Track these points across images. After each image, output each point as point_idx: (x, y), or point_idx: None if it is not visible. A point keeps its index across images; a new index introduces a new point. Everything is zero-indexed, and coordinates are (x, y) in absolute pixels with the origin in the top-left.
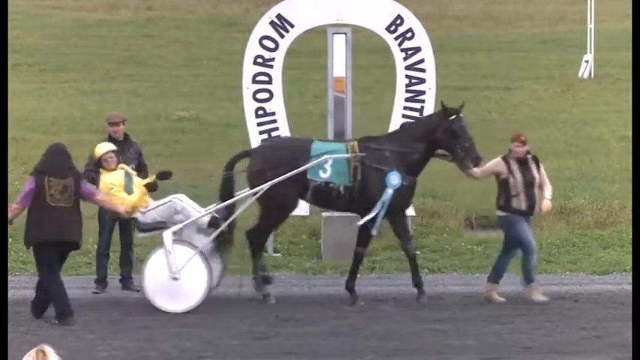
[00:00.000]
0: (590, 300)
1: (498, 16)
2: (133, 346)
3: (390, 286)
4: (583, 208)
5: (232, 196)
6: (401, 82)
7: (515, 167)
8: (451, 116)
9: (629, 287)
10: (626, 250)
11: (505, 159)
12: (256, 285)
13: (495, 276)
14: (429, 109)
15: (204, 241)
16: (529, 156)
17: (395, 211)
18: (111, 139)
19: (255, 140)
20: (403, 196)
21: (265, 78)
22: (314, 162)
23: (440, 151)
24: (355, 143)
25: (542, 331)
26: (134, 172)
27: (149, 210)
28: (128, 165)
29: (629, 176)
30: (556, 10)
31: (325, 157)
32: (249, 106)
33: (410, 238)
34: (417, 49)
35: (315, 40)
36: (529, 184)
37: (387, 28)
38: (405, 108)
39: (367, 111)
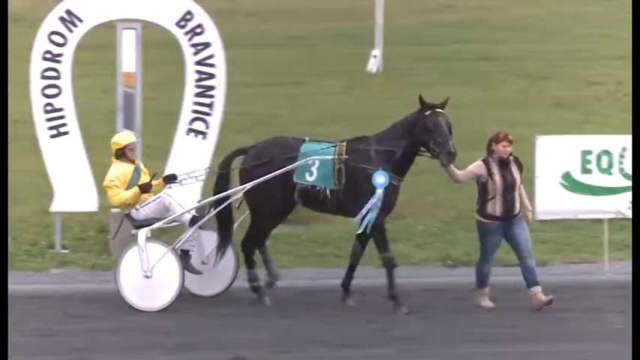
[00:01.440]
0: (377, 293)
1: (288, 11)
2: None
3: None
4: None
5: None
6: (191, 77)
7: (495, 170)
8: (426, 111)
9: (416, 280)
10: (413, 244)
11: (485, 161)
12: (259, 291)
13: (479, 282)
14: (219, 104)
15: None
16: (511, 157)
17: (385, 212)
18: None
19: (44, 137)
20: (389, 197)
21: (54, 73)
22: (296, 164)
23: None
24: (344, 144)
25: (331, 325)
26: (145, 170)
27: (143, 206)
28: None
29: (418, 170)
30: (345, 5)
31: (308, 158)
32: (38, 101)
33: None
34: (207, 45)
35: (105, 35)
36: (509, 187)
37: (177, 24)
38: (195, 103)
39: (157, 106)
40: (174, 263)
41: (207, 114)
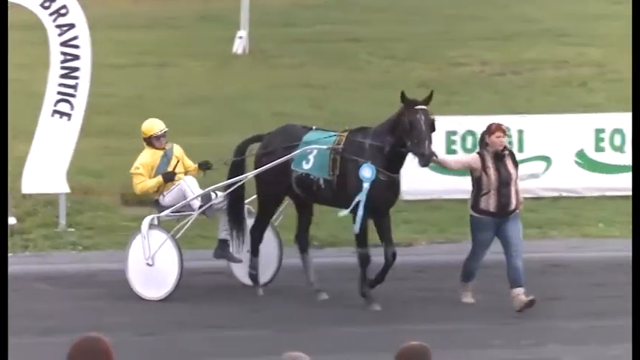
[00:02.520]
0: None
1: None
2: None
3: (44, 264)
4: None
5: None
6: (56, 58)
7: (490, 163)
8: (407, 108)
9: (285, 260)
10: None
11: (480, 154)
12: (255, 279)
13: (464, 276)
14: (84, 86)
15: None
16: (506, 151)
17: (373, 208)
18: None
19: None
20: (379, 193)
21: None
22: (295, 152)
23: None
24: (344, 135)
25: (198, 307)
26: (178, 155)
27: (168, 193)
28: None
29: None
30: None
31: (305, 147)
32: None
33: (391, 241)
34: (72, 26)
35: None
36: (504, 181)
37: (42, 5)
38: (60, 85)
39: (23, 88)
40: (173, 251)
41: (72, 95)
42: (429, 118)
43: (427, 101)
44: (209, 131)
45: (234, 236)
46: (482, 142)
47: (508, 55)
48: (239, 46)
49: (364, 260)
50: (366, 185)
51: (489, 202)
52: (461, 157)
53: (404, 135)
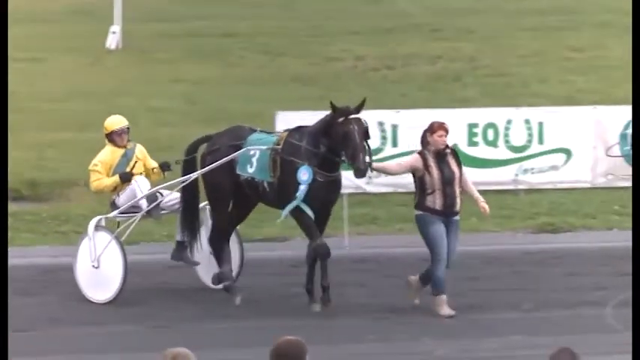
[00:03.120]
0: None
1: None
2: None
3: None
4: None
5: (191, 183)
6: None
7: (432, 163)
8: (338, 118)
9: (159, 257)
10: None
11: (421, 154)
12: (231, 289)
13: (436, 288)
14: None
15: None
16: (448, 150)
17: (314, 208)
18: None
19: None
20: (318, 193)
21: None
22: (236, 153)
23: None
24: (284, 135)
25: (72, 303)
26: (141, 155)
27: (122, 194)
28: None
29: (158, 146)
30: None
31: (246, 148)
32: None
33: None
34: None
35: None
36: (448, 181)
37: None
38: None
39: None
40: (117, 253)
41: None
42: (363, 126)
43: (359, 109)
44: (84, 127)
45: (188, 237)
46: (424, 141)
47: (382, 50)
48: (112, 41)
49: (323, 252)
50: (302, 187)
51: (435, 202)
52: (401, 161)
53: (337, 145)
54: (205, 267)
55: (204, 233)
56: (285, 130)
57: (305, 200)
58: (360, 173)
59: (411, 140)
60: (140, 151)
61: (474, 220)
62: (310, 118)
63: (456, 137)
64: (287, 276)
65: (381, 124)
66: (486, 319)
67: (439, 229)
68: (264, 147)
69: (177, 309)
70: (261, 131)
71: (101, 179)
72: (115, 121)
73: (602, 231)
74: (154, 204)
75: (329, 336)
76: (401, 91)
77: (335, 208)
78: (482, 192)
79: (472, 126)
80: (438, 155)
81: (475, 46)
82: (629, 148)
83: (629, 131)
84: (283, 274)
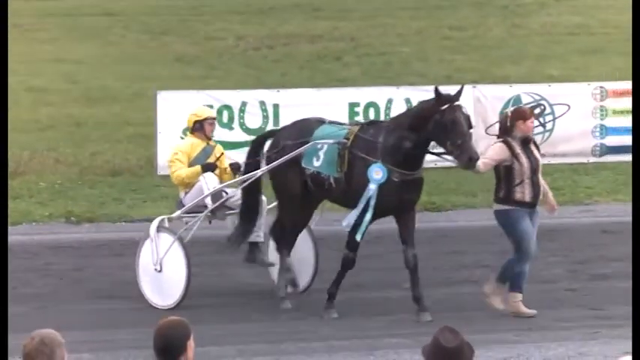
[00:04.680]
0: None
1: None
2: None
3: None
4: None
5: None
6: None
7: (519, 150)
8: (443, 105)
9: (39, 237)
10: (35, 201)
11: (506, 142)
12: (279, 287)
13: (515, 286)
14: None
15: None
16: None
17: (383, 211)
18: None
19: None
20: (392, 195)
21: None
22: (300, 149)
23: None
24: (354, 129)
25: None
26: (218, 154)
27: (189, 191)
28: None
29: (39, 127)
30: None
31: (313, 142)
32: None
33: (413, 243)
34: None
35: None
36: (535, 169)
37: None
38: None
39: None
40: (180, 255)
41: None
42: (467, 115)
43: (459, 96)
44: None
45: (239, 238)
46: (508, 128)
47: (263, 30)
48: None
49: (348, 263)
50: (372, 187)
51: (525, 192)
52: (487, 158)
53: (439, 135)
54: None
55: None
56: (357, 124)
57: (374, 202)
58: (472, 163)
59: (292, 119)
60: (219, 150)
61: None
62: (191, 97)
63: (338, 116)
64: None
65: (262, 103)
66: (373, 297)
67: (529, 224)
68: (332, 140)
69: (57, 291)
70: (330, 122)
71: (180, 169)
72: (207, 110)
73: (484, 209)
74: (219, 202)
75: (216, 316)
76: (282, 71)
77: None
78: None
79: (353, 105)
80: (524, 142)
81: (356, 25)
82: None
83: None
84: None
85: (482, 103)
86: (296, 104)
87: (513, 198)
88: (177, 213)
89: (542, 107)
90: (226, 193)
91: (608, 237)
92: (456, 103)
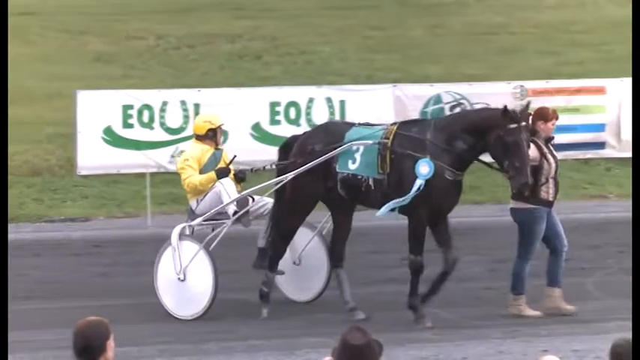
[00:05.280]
0: None
1: None
2: None
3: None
4: None
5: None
6: None
7: (546, 150)
8: (509, 123)
9: None
10: None
11: (535, 142)
12: (346, 300)
13: (516, 287)
14: None
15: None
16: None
17: (435, 212)
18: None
19: None
20: (443, 193)
21: None
22: (335, 151)
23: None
24: (393, 128)
25: None
26: (226, 160)
27: (202, 199)
28: None
29: None
30: None
31: (348, 144)
32: None
33: (452, 246)
34: None
35: None
36: (557, 168)
37: None
38: None
39: None
40: (206, 264)
41: None
42: (529, 138)
43: (528, 117)
44: None
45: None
46: (531, 129)
47: (183, 29)
48: None
49: (417, 269)
50: (419, 182)
51: (549, 192)
52: None
53: (498, 152)
54: (288, 277)
55: (295, 243)
56: (393, 123)
57: (424, 200)
58: (525, 187)
59: None
60: (226, 154)
61: None
62: (111, 96)
63: (259, 116)
64: (88, 256)
65: (183, 102)
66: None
67: (544, 229)
68: (370, 141)
69: None
70: (360, 124)
71: (193, 176)
72: (219, 117)
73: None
74: (245, 209)
75: (136, 316)
76: (202, 70)
77: (138, 188)
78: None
79: (274, 104)
80: (547, 142)
81: (276, 24)
82: None
83: (429, 109)
84: (85, 255)
85: (403, 102)
86: (217, 104)
87: (539, 197)
88: (198, 220)
89: (463, 106)
90: (253, 199)
91: None
92: (523, 123)
